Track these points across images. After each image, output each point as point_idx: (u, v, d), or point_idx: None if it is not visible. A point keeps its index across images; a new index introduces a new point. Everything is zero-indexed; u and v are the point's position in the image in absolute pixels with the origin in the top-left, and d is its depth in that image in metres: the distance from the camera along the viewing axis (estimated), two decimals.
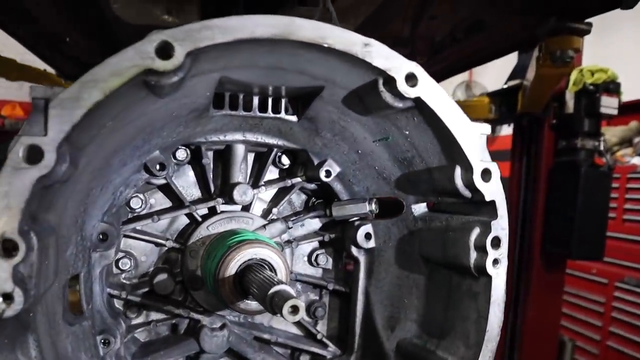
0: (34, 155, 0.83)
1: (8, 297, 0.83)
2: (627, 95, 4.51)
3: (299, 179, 1.48)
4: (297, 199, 1.58)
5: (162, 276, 1.38)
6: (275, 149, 1.45)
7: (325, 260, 1.59)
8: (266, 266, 1.23)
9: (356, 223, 1.48)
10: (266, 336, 1.50)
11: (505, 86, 4.56)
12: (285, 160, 1.51)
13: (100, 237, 1.23)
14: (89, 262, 1.21)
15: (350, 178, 1.44)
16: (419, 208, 1.37)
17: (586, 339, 5.69)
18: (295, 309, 0.98)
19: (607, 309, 5.58)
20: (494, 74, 5.77)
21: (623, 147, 5.90)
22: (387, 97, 1.09)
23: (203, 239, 1.40)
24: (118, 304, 1.40)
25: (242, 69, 1.09)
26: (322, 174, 1.41)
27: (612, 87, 4.08)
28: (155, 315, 1.45)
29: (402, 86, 1.06)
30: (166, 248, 1.43)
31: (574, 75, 3.94)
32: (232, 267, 1.21)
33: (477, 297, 1.23)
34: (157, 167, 1.28)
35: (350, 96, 1.17)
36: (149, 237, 1.39)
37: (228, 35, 0.92)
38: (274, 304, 1.01)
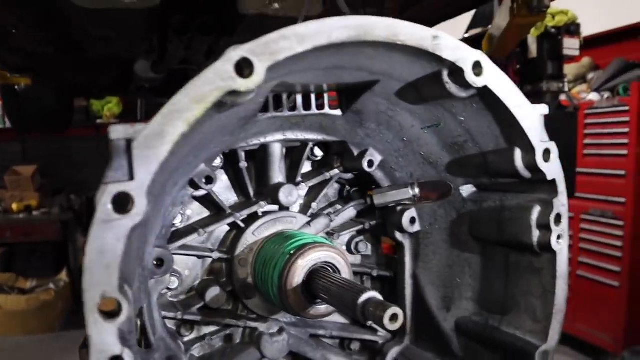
0: (124, 203, 0.76)
1: None
2: None
3: (336, 171, 1.44)
4: (331, 189, 1.54)
5: (214, 289, 1.32)
6: (310, 143, 1.40)
7: (365, 248, 1.57)
8: (330, 268, 1.21)
9: (399, 208, 1.46)
10: (321, 332, 1.48)
11: (467, 35, 4.58)
12: (318, 152, 1.46)
13: (156, 263, 1.17)
14: (148, 292, 1.15)
15: (393, 165, 1.41)
16: (468, 189, 1.35)
17: None
18: (395, 317, 0.96)
19: (575, 241, 5.86)
20: (447, 26, 5.77)
21: (577, 83, 6.08)
22: (452, 87, 1.06)
23: (250, 246, 1.35)
24: (170, 324, 1.34)
25: (302, 73, 1.02)
26: (365, 165, 1.37)
27: (572, 28, 4.17)
28: (207, 329, 1.40)
29: (469, 76, 1.03)
30: (211, 259, 1.37)
31: None
32: (299, 276, 1.17)
33: (541, 273, 1.24)
34: (204, 180, 1.22)
35: (405, 88, 1.14)
36: (194, 251, 1.33)
37: (307, 44, 0.86)
38: (367, 314, 0.99)
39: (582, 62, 6.22)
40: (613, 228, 5.41)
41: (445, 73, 1.04)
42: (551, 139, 3.85)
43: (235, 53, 0.82)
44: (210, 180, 1.22)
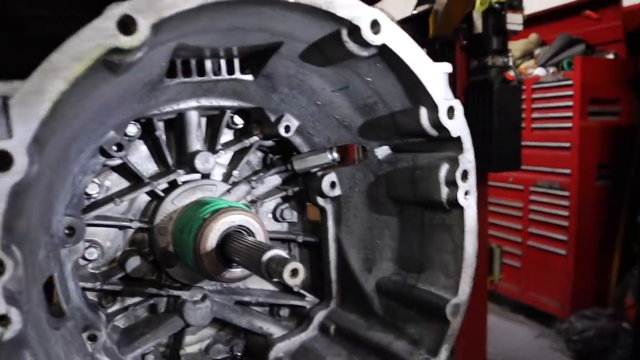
0: (2, 161, 0.76)
1: (3, 319, 0.77)
2: (525, 9, 4.70)
3: (256, 138, 1.45)
4: (254, 157, 1.55)
5: (135, 259, 1.33)
6: (228, 111, 1.40)
7: (291, 215, 1.58)
8: (245, 232, 1.22)
9: (319, 173, 1.48)
10: (246, 298, 1.50)
11: (415, 12, 4.61)
12: (239, 120, 1.47)
13: (67, 231, 1.16)
14: (59, 260, 1.14)
15: (310, 130, 1.43)
16: (382, 151, 1.38)
17: (510, 242, 6.16)
18: (295, 272, 0.98)
19: (525, 213, 6.04)
20: (399, 2, 5.81)
21: (525, 59, 6.21)
22: (352, 46, 1.07)
23: (170, 214, 1.35)
24: (91, 295, 1.34)
25: (200, 34, 1.02)
26: (282, 130, 1.39)
27: (515, 3, 4.23)
28: (131, 300, 1.40)
29: (367, 34, 1.04)
30: (132, 230, 1.37)
31: None
32: (212, 239, 1.19)
33: (451, 229, 1.29)
34: (115, 148, 1.21)
35: (310, 49, 1.15)
36: (113, 221, 1.33)
37: (192, 1, 0.85)
38: (270, 270, 1.01)
39: (529, 38, 6.34)
40: (560, 199, 5.59)
41: (344, 32, 1.05)
42: (497, 113, 3.90)
43: (117, 10, 0.81)
44: (121, 147, 1.21)
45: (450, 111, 1.19)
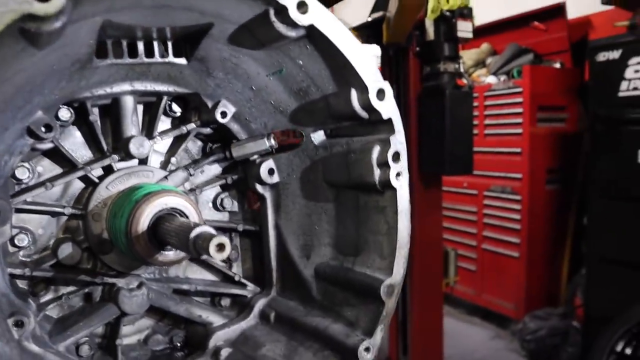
0: None
1: None
2: (477, 20, 4.85)
3: (193, 125, 1.45)
4: (194, 146, 1.55)
5: (67, 246, 1.30)
6: (165, 97, 1.40)
7: (231, 203, 1.59)
8: (178, 214, 1.22)
9: (257, 160, 1.49)
10: (185, 287, 1.49)
11: (370, 19, 4.69)
12: (176, 108, 1.47)
13: None
14: None
15: (247, 116, 1.44)
16: (318, 136, 1.40)
17: (465, 246, 6.27)
18: (221, 246, 0.98)
19: (480, 217, 6.17)
20: (355, 9, 5.90)
21: (478, 68, 6.38)
22: (280, 27, 1.09)
23: (104, 200, 1.33)
24: (22, 283, 1.31)
25: (126, 11, 1.02)
26: (218, 116, 1.39)
27: (465, 12, 4.35)
28: (65, 288, 1.37)
29: (294, 14, 1.06)
30: (65, 216, 1.34)
31: (431, 3, 4.14)
32: (144, 221, 1.18)
33: (385, 211, 1.31)
34: (43, 129, 1.19)
35: (240, 31, 1.16)
36: (44, 207, 1.30)
37: None
38: (198, 247, 1.01)
39: (481, 47, 6.53)
40: (512, 202, 5.74)
41: (271, 12, 1.07)
42: (449, 118, 4.01)
43: None
44: (50, 128, 1.20)
45: (380, 93, 1.21)
